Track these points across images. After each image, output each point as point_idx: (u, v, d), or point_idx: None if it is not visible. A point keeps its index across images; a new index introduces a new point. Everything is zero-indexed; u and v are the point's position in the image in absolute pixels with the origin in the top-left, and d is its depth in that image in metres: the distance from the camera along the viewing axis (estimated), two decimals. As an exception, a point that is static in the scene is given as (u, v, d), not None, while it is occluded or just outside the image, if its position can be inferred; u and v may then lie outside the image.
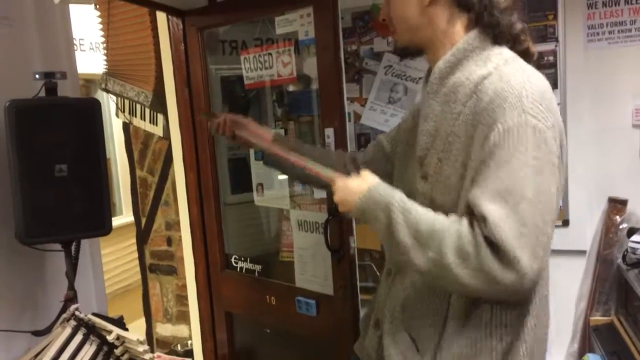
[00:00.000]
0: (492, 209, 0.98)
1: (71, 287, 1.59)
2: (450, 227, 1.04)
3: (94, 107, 1.56)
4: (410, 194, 1.20)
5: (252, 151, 2.47)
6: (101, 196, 1.57)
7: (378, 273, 2.60)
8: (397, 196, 1.13)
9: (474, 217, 1.02)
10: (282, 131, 2.54)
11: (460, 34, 1.17)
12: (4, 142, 1.46)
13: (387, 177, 1.40)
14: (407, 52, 1.27)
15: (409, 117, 1.41)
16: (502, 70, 1.08)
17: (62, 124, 1.52)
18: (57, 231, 1.52)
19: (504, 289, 0.99)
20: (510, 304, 1.10)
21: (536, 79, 1.07)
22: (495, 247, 0.98)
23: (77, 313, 1.57)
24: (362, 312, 2.16)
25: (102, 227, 1.57)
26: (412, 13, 1.20)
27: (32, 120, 1.48)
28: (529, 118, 1.00)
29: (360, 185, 1.17)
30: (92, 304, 1.89)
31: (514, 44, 1.17)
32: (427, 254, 1.05)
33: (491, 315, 1.11)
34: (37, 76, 1.54)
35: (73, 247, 1.59)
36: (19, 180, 1.46)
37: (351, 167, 1.56)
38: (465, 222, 1.04)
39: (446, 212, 1.10)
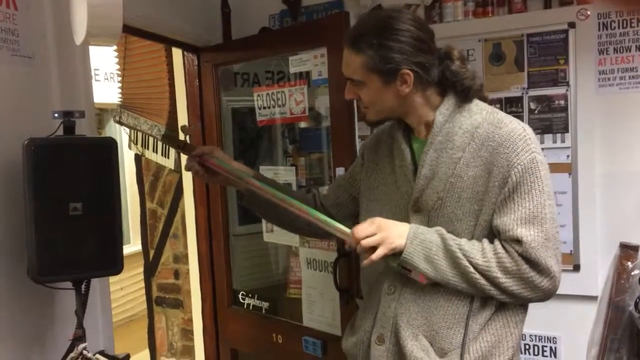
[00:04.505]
0: (524, 232, 1.24)
1: (80, 325, 1.57)
2: (489, 252, 1.27)
3: (111, 147, 1.57)
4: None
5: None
6: (114, 235, 1.56)
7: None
8: (438, 229, 1.31)
9: (506, 240, 1.27)
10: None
11: (437, 100, 1.36)
12: (20, 180, 1.47)
13: (354, 216, 1.54)
14: (380, 123, 1.44)
15: (359, 159, 1.56)
16: (492, 118, 1.31)
17: (79, 163, 1.52)
18: (70, 270, 1.51)
19: (543, 293, 1.28)
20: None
21: (522, 123, 1.32)
22: (530, 261, 1.25)
23: (85, 352, 1.56)
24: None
25: (114, 266, 1.56)
26: (390, 102, 1.35)
27: (49, 158, 1.48)
28: (536, 155, 1.28)
29: (402, 225, 1.32)
30: (99, 341, 1.88)
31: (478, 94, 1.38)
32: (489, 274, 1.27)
33: (512, 312, 1.35)
34: (56, 115, 1.55)
35: (83, 285, 1.59)
36: (33, 218, 1.45)
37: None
38: (498, 245, 1.28)
39: None
